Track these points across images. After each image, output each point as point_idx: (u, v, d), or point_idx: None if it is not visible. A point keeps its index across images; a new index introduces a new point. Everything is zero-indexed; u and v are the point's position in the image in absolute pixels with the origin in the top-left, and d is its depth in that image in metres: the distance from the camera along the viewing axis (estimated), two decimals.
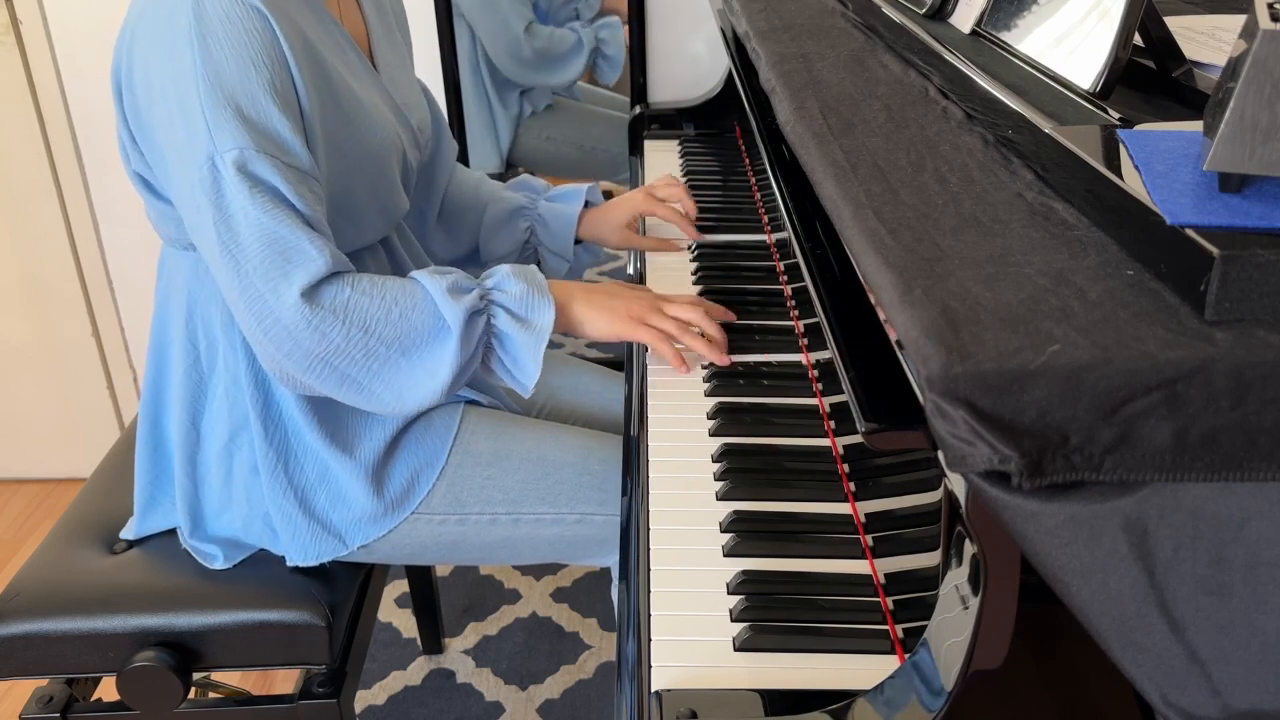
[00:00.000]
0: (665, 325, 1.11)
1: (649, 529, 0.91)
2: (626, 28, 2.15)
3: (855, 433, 0.70)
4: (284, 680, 1.81)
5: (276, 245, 0.97)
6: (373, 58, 1.20)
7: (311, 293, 0.98)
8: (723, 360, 1.11)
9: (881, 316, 0.66)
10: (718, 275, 1.35)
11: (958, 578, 0.63)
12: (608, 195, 1.48)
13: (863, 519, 0.90)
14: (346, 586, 1.19)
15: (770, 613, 0.80)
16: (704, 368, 1.13)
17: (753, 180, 1.60)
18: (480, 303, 1.03)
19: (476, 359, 1.05)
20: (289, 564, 1.16)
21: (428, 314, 1.02)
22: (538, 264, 1.44)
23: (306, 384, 1.03)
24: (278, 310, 0.98)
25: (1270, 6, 0.55)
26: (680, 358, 1.11)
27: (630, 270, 1.43)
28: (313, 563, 1.15)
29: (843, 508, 0.92)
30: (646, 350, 1.16)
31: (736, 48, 1.47)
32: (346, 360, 1.00)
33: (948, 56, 0.98)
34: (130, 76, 1.01)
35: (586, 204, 1.43)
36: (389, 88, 1.19)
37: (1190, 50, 0.87)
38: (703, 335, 1.12)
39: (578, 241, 1.43)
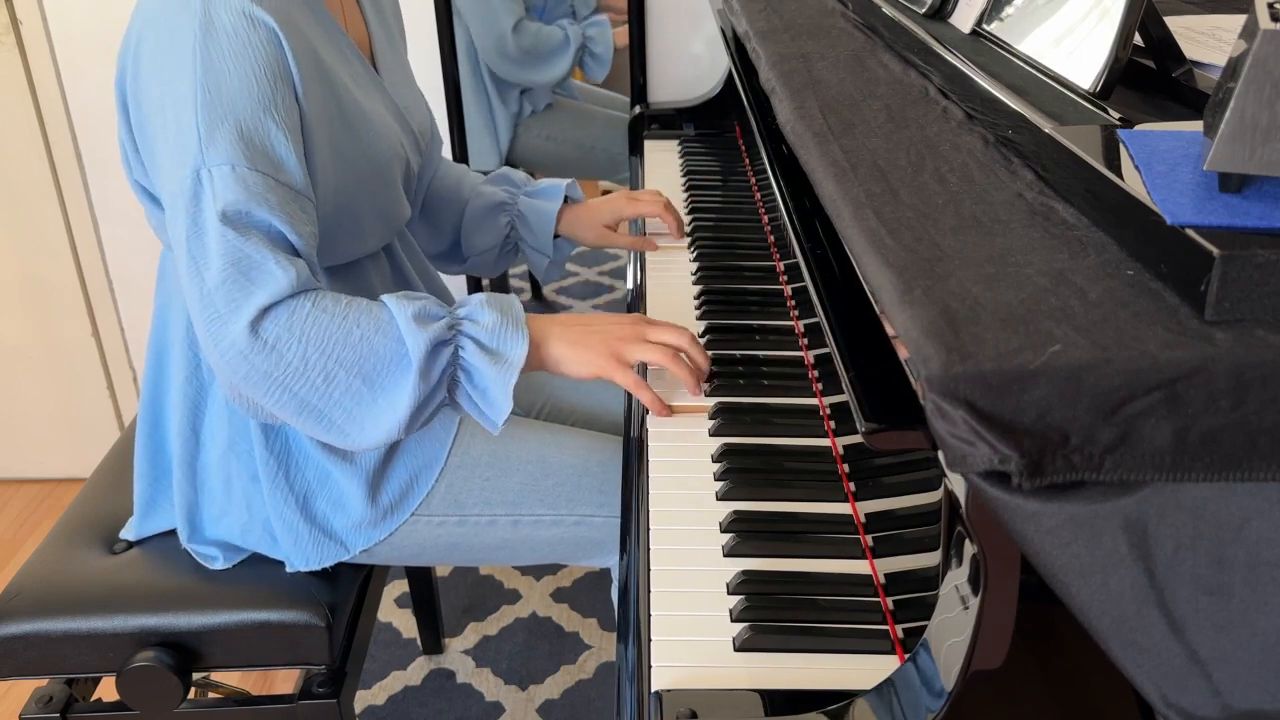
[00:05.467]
0: (647, 356, 1.05)
1: (649, 529, 0.91)
2: (618, 28, 2.16)
3: (855, 433, 0.70)
4: (284, 680, 1.81)
5: (241, 265, 0.94)
6: (374, 61, 1.20)
7: (269, 311, 0.95)
8: (696, 392, 1.07)
9: (879, 311, 0.66)
10: (718, 275, 1.35)
11: (958, 578, 0.63)
12: (606, 195, 1.48)
13: (863, 519, 0.90)
14: (346, 587, 1.19)
15: (770, 613, 0.80)
16: None
17: (753, 180, 1.60)
18: (448, 333, 0.99)
19: (440, 392, 1.00)
20: (289, 569, 1.16)
21: (391, 339, 0.97)
22: (517, 252, 1.45)
23: (267, 410, 1.00)
24: (234, 331, 0.95)
25: (1270, 6, 0.55)
26: (659, 402, 1.06)
27: (630, 272, 1.43)
28: (314, 568, 1.15)
29: (843, 508, 0.92)
30: None
31: (736, 48, 1.47)
32: (305, 385, 0.97)
33: (948, 56, 0.98)
34: (136, 86, 1.00)
35: (567, 199, 1.43)
36: (391, 93, 1.19)
37: (1190, 50, 0.87)
38: (689, 360, 1.07)
39: (556, 236, 1.43)
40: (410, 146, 1.20)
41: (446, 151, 2.14)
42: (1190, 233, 0.54)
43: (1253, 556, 0.52)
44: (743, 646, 0.77)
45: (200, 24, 0.95)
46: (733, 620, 0.80)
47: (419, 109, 1.27)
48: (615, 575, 1.18)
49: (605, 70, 2.21)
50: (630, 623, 0.82)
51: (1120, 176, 0.62)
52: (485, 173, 1.47)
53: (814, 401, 1.07)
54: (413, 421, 0.99)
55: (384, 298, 1.01)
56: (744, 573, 0.84)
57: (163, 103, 0.96)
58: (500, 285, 2.48)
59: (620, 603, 0.90)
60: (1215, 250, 0.52)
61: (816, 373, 1.09)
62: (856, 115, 0.91)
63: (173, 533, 1.21)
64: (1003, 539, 0.57)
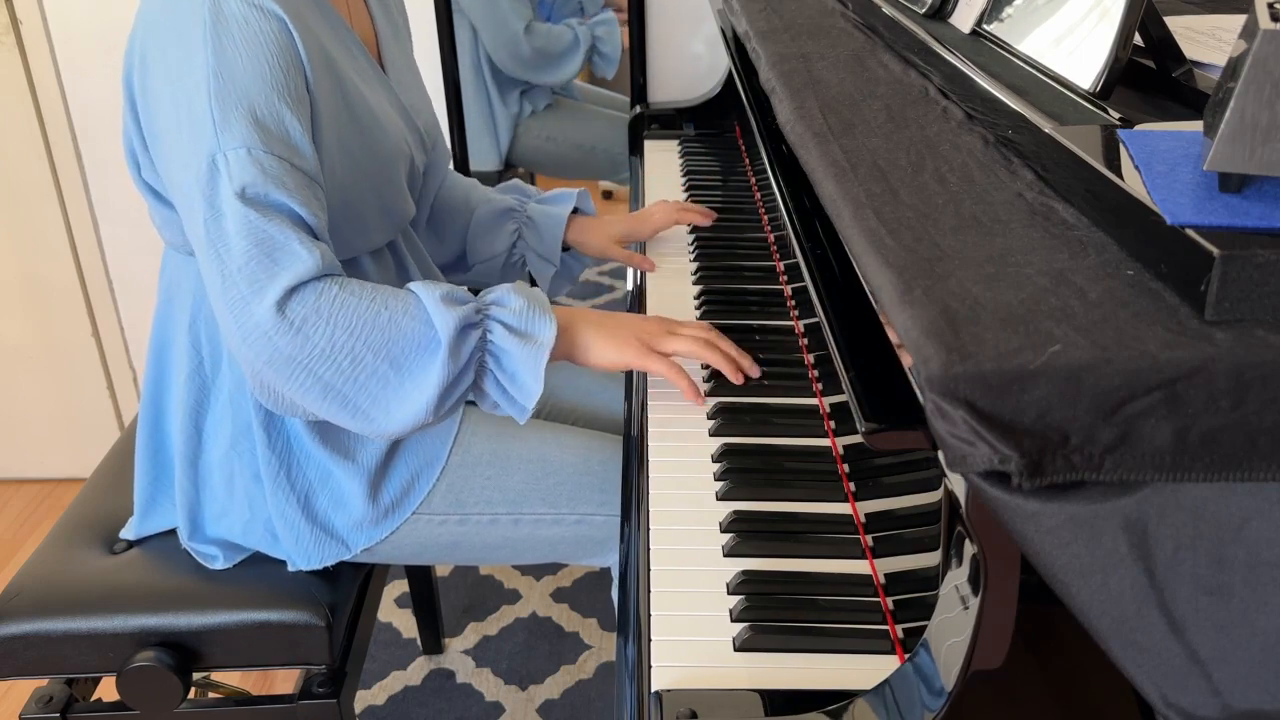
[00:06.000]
0: (680, 346, 1.06)
1: (649, 529, 0.91)
2: (624, 27, 2.16)
3: (855, 433, 0.70)
4: (284, 680, 1.81)
5: (264, 245, 0.93)
6: (381, 60, 1.20)
7: (295, 292, 0.94)
8: (738, 378, 1.07)
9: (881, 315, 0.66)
10: (718, 275, 1.35)
11: (958, 578, 0.63)
12: (608, 195, 1.47)
13: (863, 519, 0.90)
14: (346, 587, 1.19)
15: (770, 613, 0.80)
16: (704, 367, 1.13)
17: (753, 180, 1.60)
18: (476, 316, 0.99)
19: (468, 376, 0.99)
20: (291, 569, 1.16)
21: (419, 321, 0.97)
22: (523, 266, 1.43)
23: (289, 399, 0.99)
24: (259, 313, 0.93)
25: (1270, 6, 0.55)
26: (695, 389, 1.06)
27: (631, 272, 1.43)
28: (316, 567, 1.15)
29: (843, 508, 0.92)
30: None
31: (736, 48, 1.47)
32: (331, 368, 0.95)
33: (948, 56, 0.98)
34: (144, 79, 1.00)
35: (577, 211, 1.42)
36: (397, 91, 1.19)
37: (1190, 50, 0.87)
38: (721, 350, 1.08)
39: (565, 249, 1.42)
40: (415, 144, 1.20)
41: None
42: (1190, 233, 0.54)
43: (1253, 556, 0.52)
44: (743, 646, 0.77)
45: (210, 14, 0.95)
46: (733, 620, 0.80)
47: (426, 110, 1.27)
48: (615, 575, 1.18)
49: (614, 69, 2.22)
50: (630, 622, 0.82)
51: (1120, 176, 0.62)
52: (484, 173, 1.47)
53: (814, 401, 1.07)
54: (439, 406, 0.98)
55: (410, 285, 1.01)
56: (744, 573, 0.84)
57: (174, 94, 0.96)
58: None
59: (620, 602, 0.90)
60: (1215, 250, 0.52)
61: (816, 373, 1.09)
62: (856, 115, 0.91)
63: (173, 532, 1.21)
64: (1003, 539, 0.57)
